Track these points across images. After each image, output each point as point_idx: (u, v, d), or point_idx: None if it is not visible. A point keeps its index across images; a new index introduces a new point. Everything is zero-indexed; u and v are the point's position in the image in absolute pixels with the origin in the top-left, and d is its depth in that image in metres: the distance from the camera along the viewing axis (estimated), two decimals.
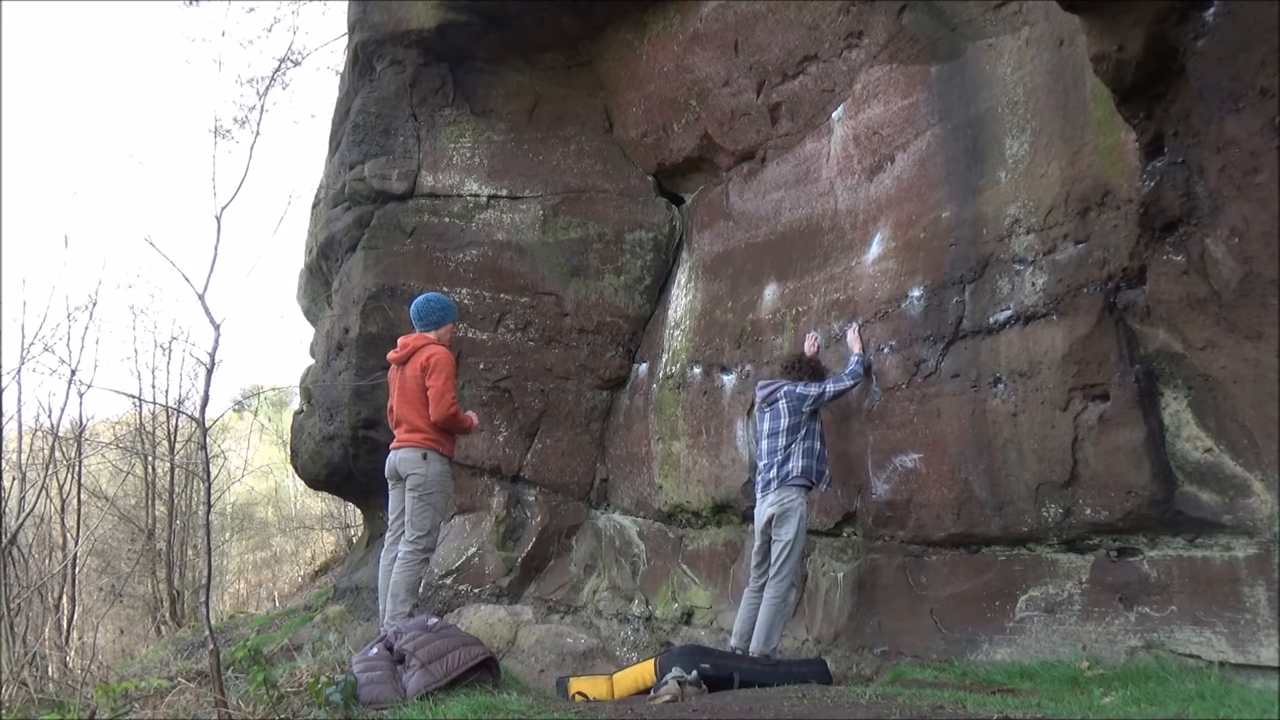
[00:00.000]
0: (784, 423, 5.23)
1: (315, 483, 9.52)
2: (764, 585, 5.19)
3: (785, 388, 5.32)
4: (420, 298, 5.45)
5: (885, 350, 5.28)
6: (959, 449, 4.78)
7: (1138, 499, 4.04)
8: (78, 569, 11.69)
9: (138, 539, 13.53)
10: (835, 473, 5.50)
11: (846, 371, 5.30)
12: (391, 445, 5.24)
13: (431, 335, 5.27)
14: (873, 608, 5.24)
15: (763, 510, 5.23)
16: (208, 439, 4.65)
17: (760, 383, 5.57)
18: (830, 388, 5.25)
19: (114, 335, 26.66)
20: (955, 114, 5.10)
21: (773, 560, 5.13)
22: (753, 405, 5.69)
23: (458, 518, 7.48)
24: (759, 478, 5.36)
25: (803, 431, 5.21)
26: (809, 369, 5.38)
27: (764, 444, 5.32)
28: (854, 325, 5.47)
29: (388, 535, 5.31)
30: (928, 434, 4.96)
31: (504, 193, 7.62)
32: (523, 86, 7.68)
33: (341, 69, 9.16)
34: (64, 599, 10.74)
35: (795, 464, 5.15)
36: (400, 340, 5.36)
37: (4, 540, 7.84)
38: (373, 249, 7.54)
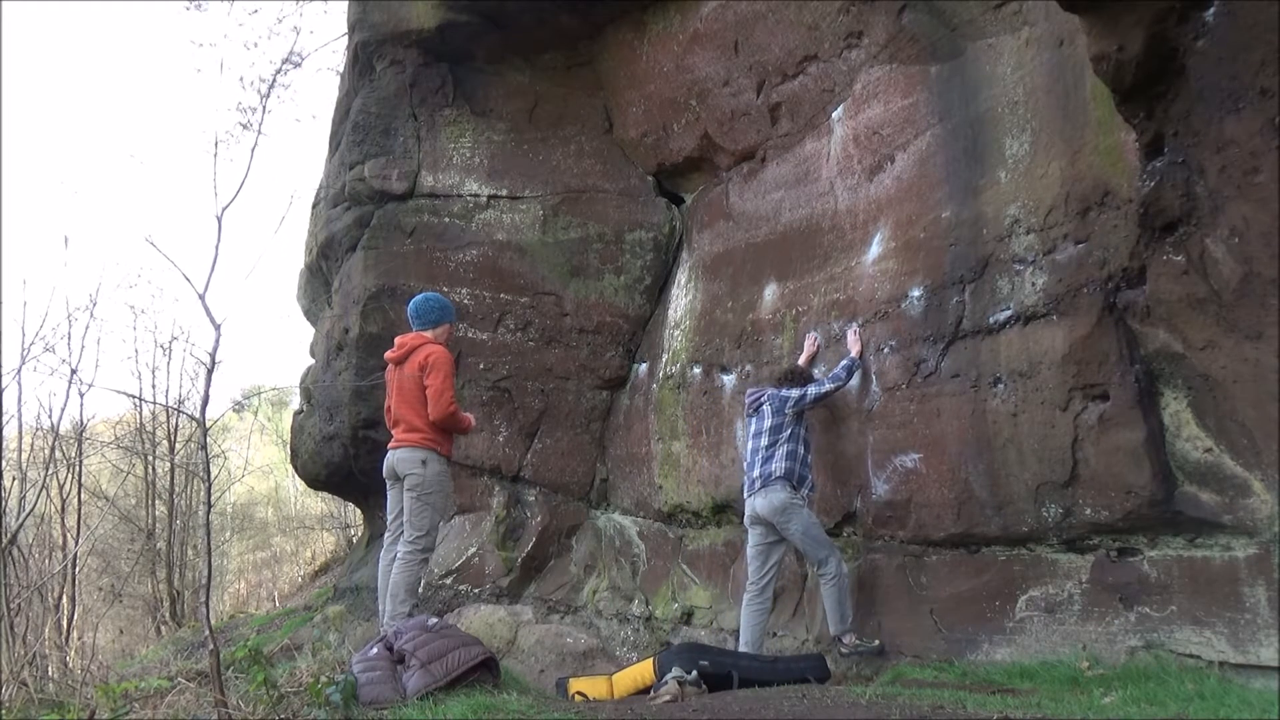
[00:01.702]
0: (767, 423, 5.30)
1: (315, 483, 9.52)
2: (760, 593, 5.24)
3: (770, 391, 5.43)
4: (419, 297, 5.45)
5: (885, 350, 5.28)
6: (959, 449, 4.78)
7: (1138, 499, 4.03)
8: (78, 569, 11.67)
9: (138, 539, 13.51)
10: (835, 472, 5.52)
11: (830, 375, 5.36)
12: (390, 445, 5.24)
13: (429, 335, 5.27)
14: (873, 608, 5.24)
15: (750, 513, 5.31)
16: (208, 439, 4.65)
17: (750, 390, 5.67)
18: (812, 390, 5.31)
19: (114, 335, 26.58)
20: (955, 114, 5.10)
21: (807, 560, 5.40)
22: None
23: (458, 518, 7.48)
24: (744, 478, 5.45)
25: (786, 433, 5.25)
26: (800, 380, 5.44)
27: (749, 445, 5.43)
28: (854, 327, 5.48)
29: (386, 535, 5.31)
30: (928, 434, 4.96)
31: (504, 193, 7.62)
32: (523, 86, 7.68)
33: (341, 69, 9.15)
34: (64, 599, 10.72)
35: (777, 465, 5.20)
36: (397, 340, 5.35)
37: (4, 540, 7.83)
38: (373, 249, 7.54)
